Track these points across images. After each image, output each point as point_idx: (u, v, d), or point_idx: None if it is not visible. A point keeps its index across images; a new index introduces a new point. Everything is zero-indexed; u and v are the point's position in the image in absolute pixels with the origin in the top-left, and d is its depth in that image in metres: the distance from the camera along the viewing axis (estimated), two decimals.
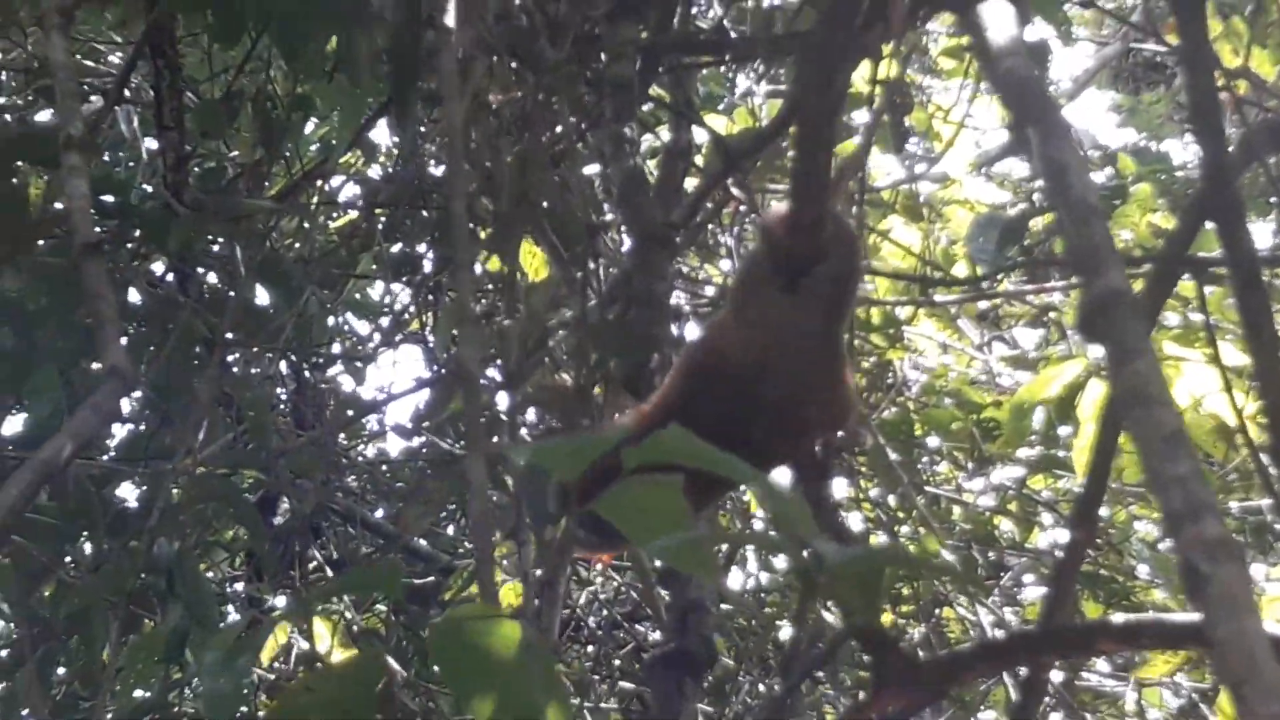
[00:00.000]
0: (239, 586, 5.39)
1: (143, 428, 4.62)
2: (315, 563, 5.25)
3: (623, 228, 4.12)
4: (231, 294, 4.66)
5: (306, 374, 6.03)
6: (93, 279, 2.60)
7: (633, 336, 3.27)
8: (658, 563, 5.13)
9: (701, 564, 1.73)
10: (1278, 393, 2.81)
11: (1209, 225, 3.00)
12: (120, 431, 4.85)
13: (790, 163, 3.07)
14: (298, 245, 5.60)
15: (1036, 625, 2.77)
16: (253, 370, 5.34)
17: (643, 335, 3.25)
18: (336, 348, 6.25)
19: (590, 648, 6.04)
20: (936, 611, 5.82)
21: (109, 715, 4.47)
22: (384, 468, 5.63)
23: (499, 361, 4.49)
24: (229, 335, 4.45)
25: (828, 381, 2.76)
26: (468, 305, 2.33)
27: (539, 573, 3.51)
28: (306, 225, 5.62)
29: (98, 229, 3.54)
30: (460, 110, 2.74)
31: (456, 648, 1.78)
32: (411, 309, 5.89)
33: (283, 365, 5.96)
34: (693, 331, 4.00)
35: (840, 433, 2.68)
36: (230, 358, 5.28)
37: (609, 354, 3.38)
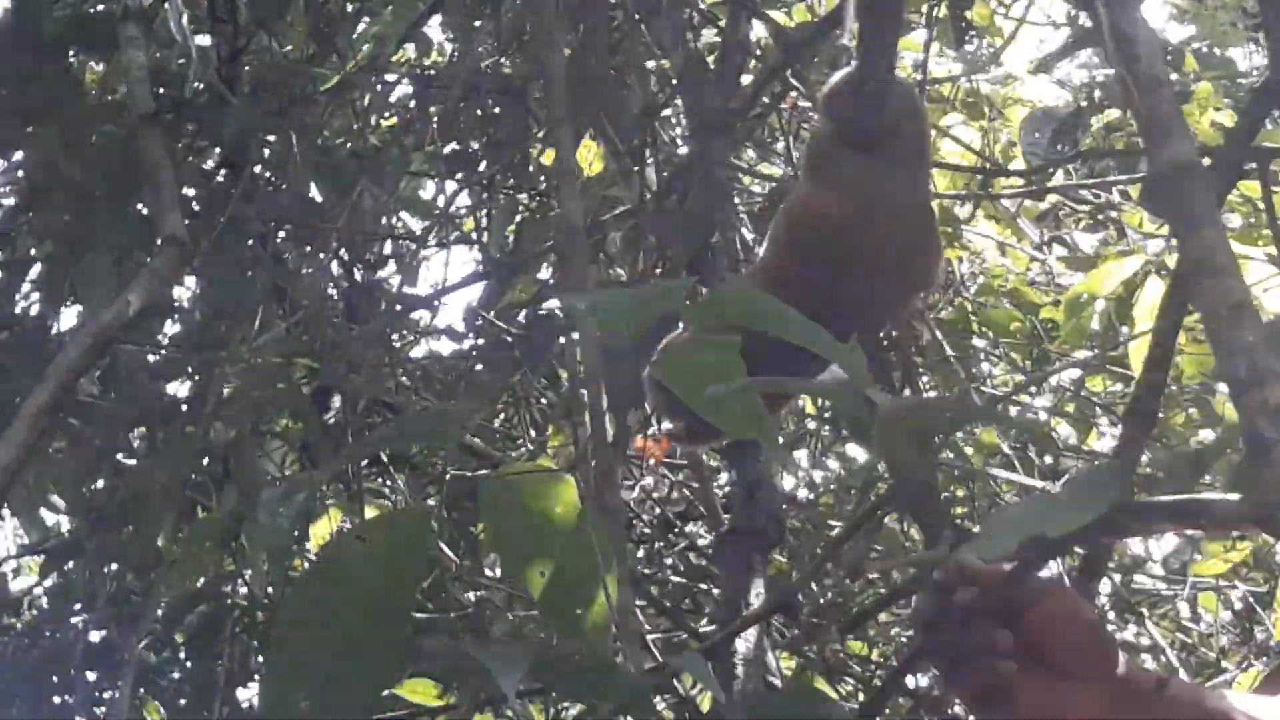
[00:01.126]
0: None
1: (196, 316, 4.63)
2: (369, 459, 5.25)
3: (682, 116, 4.09)
4: (284, 187, 4.66)
5: (359, 272, 6.01)
6: (151, 149, 2.60)
7: (692, 220, 3.25)
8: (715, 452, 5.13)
9: (752, 420, 1.70)
10: None
11: (1276, 115, 2.97)
12: (172, 329, 4.87)
13: (855, 35, 3.03)
14: (349, 143, 5.58)
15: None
16: (305, 267, 5.34)
17: (702, 218, 3.24)
18: (389, 247, 6.24)
19: (642, 548, 6.04)
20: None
21: (162, 603, 4.50)
22: (437, 366, 5.63)
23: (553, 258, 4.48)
24: (282, 227, 4.45)
25: (923, 234, 2.73)
26: (569, 160, 2.31)
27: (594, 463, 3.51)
28: (360, 120, 5.60)
29: None
30: None
31: (508, 509, 1.77)
32: (465, 206, 5.87)
33: (335, 265, 5.96)
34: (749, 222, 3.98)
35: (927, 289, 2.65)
36: (284, 255, 5.29)
37: (668, 239, 3.36)
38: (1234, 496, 3.03)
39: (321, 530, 4.76)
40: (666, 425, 4.66)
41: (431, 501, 5.23)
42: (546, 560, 1.77)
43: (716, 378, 1.64)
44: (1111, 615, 5.54)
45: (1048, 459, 5.76)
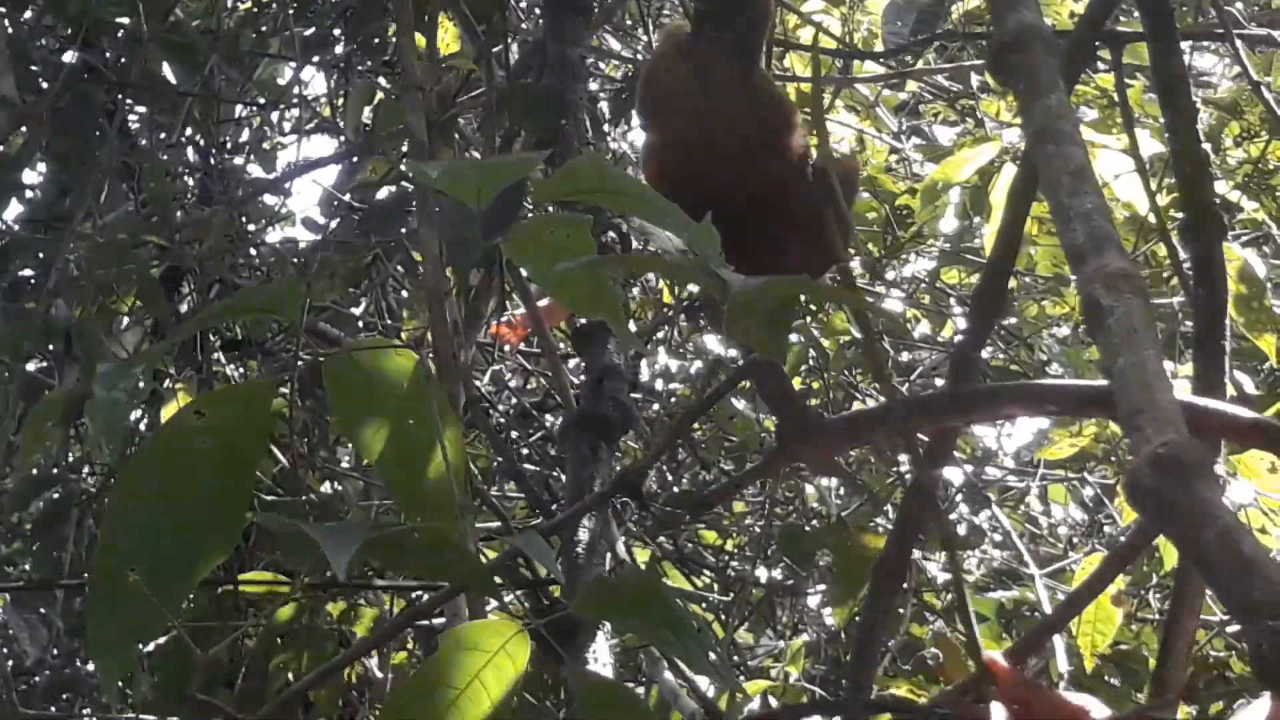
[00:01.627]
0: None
1: (40, 195, 4.54)
2: (218, 341, 5.19)
3: None
4: (135, 64, 4.56)
5: (213, 155, 5.91)
6: None
7: (546, 100, 3.20)
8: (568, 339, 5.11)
9: (600, 299, 1.69)
10: (1192, 164, 2.80)
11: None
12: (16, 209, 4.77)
13: None
14: (204, 23, 5.47)
15: (943, 388, 2.77)
16: (162, 148, 5.25)
17: (555, 98, 3.20)
18: (246, 134, 6.15)
19: (495, 437, 6.02)
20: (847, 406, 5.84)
21: (7, 484, 4.43)
22: (291, 249, 5.56)
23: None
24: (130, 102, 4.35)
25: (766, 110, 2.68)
26: (412, 71, 2.26)
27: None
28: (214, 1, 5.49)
29: None
30: None
31: (349, 380, 1.74)
32: (322, 93, 5.79)
33: (191, 151, 5.86)
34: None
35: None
36: (133, 130, 5.19)
37: (521, 119, 3.32)
38: (1077, 381, 3.06)
39: (170, 414, 4.69)
40: (520, 311, 4.64)
41: (284, 389, 5.17)
42: (386, 427, 1.75)
43: (567, 255, 1.61)
44: (963, 505, 5.61)
45: (904, 354, 5.81)
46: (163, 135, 5.44)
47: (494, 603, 2.07)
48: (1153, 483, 1.39)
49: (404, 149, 5.06)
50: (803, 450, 2.55)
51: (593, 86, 4.70)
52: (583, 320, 3.58)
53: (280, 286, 1.76)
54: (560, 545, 2.92)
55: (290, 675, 4.33)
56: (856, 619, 3.83)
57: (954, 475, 5.16)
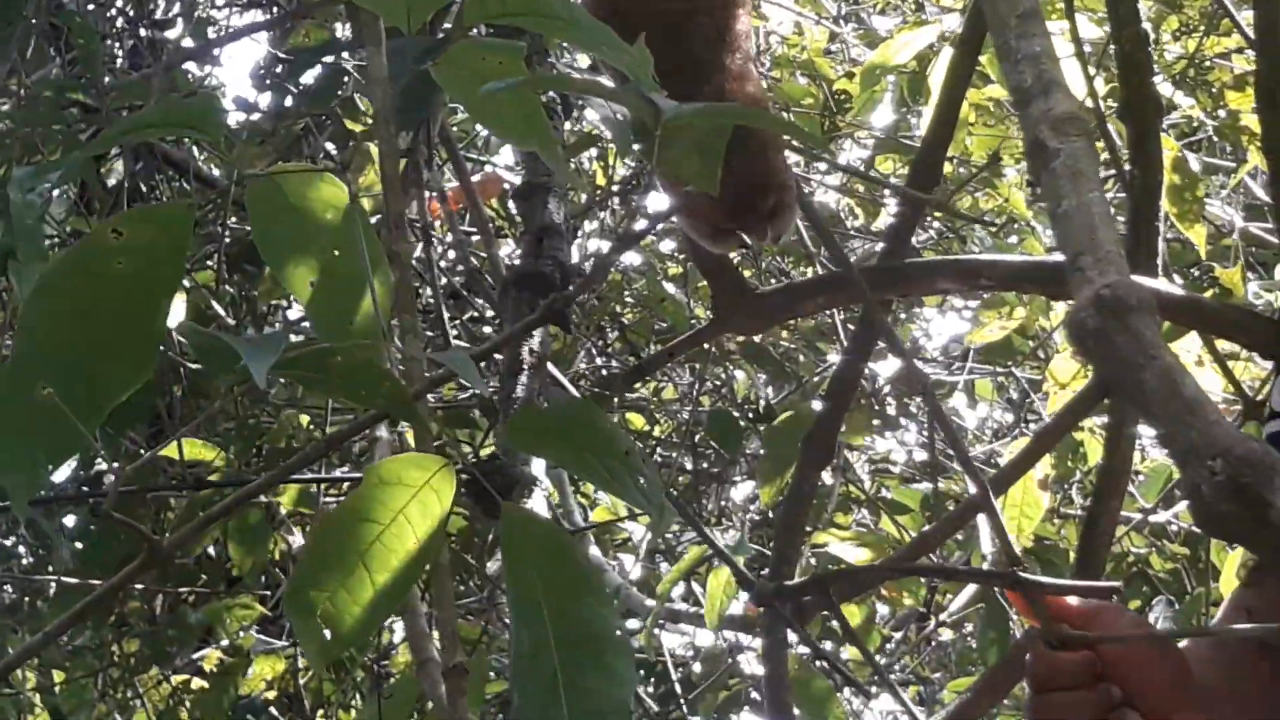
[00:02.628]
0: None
1: None
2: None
3: None
4: None
5: (143, 26, 5.83)
6: None
7: None
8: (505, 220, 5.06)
9: (531, 125, 1.65)
10: (1131, 43, 2.78)
11: None
12: None
13: None
14: None
15: (878, 261, 2.75)
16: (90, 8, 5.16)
17: None
18: (177, 7, 6.05)
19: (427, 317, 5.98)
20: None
21: None
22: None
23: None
24: None
25: None
26: None
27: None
28: None
29: None
30: None
31: (274, 207, 1.69)
32: None
33: (119, 21, 5.77)
34: None
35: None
36: None
37: None
38: (1010, 256, 3.04)
39: None
40: (453, 184, 4.59)
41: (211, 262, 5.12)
42: (313, 260, 1.71)
43: (497, 78, 1.57)
44: (890, 399, 5.61)
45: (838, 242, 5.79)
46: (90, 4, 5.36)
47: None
48: (1095, 323, 1.37)
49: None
50: (738, 320, 2.53)
51: None
52: (520, 184, 3.54)
53: (201, 101, 1.71)
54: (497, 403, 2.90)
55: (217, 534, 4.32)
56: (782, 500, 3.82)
57: (884, 368, 5.16)
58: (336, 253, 1.69)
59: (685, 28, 2.40)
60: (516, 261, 3.90)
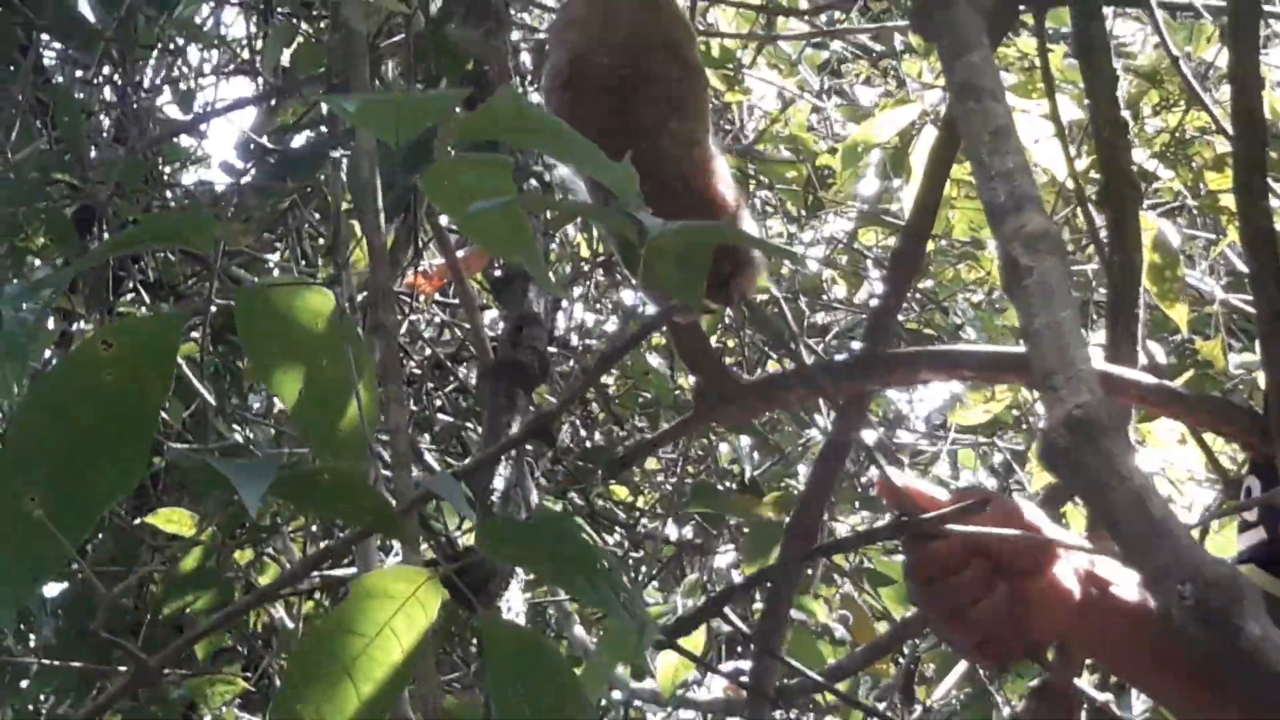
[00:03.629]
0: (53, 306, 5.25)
1: None
2: (131, 284, 5.14)
3: None
4: None
5: (129, 94, 5.85)
6: None
7: (467, 45, 3.18)
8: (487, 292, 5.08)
9: (518, 240, 1.67)
10: (1111, 129, 2.81)
11: None
12: None
13: None
14: None
15: (859, 352, 2.77)
16: (77, 85, 5.18)
17: (478, 46, 3.17)
18: (164, 74, 6.07)
19: (411, 388, 6.00)
20: (760, 370, 5.85)
21: None
22: (206, 191, 5.50)
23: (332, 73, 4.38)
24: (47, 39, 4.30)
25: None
26: None
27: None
28: None
29: None
30: None
31: (262, 317, 1.71)
32: (242, 36, 5.73)
33: (108, 90, 5.79)
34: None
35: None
36: (49, 67, 5.12)
37: (444, 66, 3.29)
38: (993, 347, 3.07)
39: None
40: (438, 261, 4.61)
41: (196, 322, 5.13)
42: (300, 369, 1.73)
43: (486, 196, 1.59)
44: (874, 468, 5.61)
45: (820, 315, 5.83)
46: (78, 73, 5.37)
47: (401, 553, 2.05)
48: (1066, 443, 1.39)
49: (323, 91, 5.04)
50: (719, 411, 2.54)
51: (515, 36, 4.68)
52: (501, 268, 3.57)
53: (192, 215, 1.73)
54: (474, 493, 2.91)
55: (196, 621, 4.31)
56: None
57: (866, 437, 5.17)
58: (324, 362, 1.71)
59: (637, 93, 2.44)
60: (500, 331, 3.94)
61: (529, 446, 3.20)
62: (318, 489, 1.49)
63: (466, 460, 3.88)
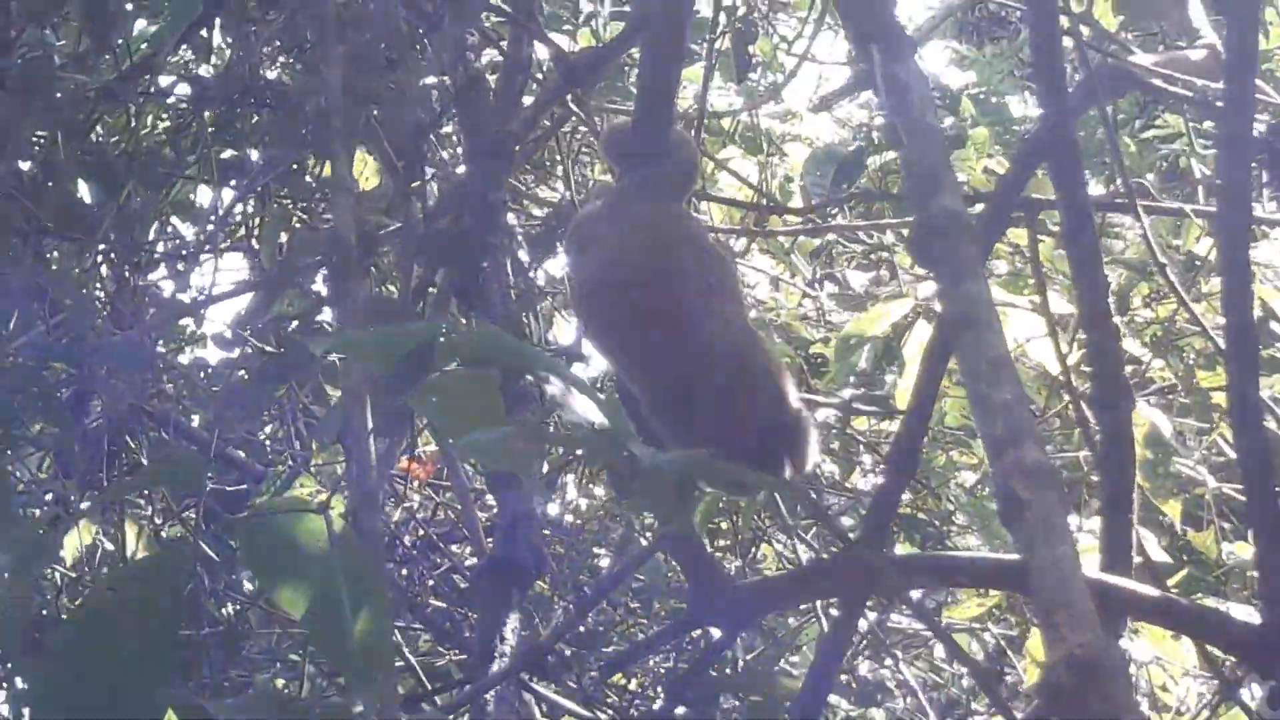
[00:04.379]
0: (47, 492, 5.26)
1: None
2: (126, 466, 5.14)
3: (459, 137, 4.04)
4: (51, 184, 4.54)
5: (127, 275, 5.88)
6: None
7: (465, 244, 3.21)
8: (480, 477, 5.09)
9: (515, 460, 1.68)
10: (1103, 336, 2.83)
11: (1044, 166, 3.01)
12: None
13: (637, 77, 3.03)
14: (123, 144, 5.46)
15: (855, 558, 2.77)
16: (74, 269, 5.21)
17: (475, 243, 3.20)
18: (160, 251, 6.12)
19: (404, 569, 5.98)
20: (753, 550, 5.84)
21: None
22: (202, 374, 5.52)
23: (325, 271, 4.41)
24: (46, 226, 4.33)
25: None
26: (344, 174, 2.26)
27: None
28: (133, 122, 5.48)
29: None
30: None
31: (265, 541, 1.73)
32: (238, 215, 5.77)
33: (104, 268, 5.83)
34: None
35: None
36: (49, 254, 5.15)
37: (439, 262, 3.32)
38: (992, 555, 3.08)
39: (73, 543, 4.65)
40: (431, 447, 4.62)
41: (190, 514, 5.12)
42: (306, 589, 1.74)
43: (475, 414, 1.61)
44: (866, 654, 5.60)
45: (812, 494, 5.81)
46: (74, 254, 5.41)
47: None
48: (1069, 683, 1.40)
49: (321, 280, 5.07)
50: (715, 617, 2.55)
51: (513, 220, 4.71)
52: None
53: (186, 461, 1.75)
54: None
55: None
56: None
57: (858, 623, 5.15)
58: (330, 580, 1.72)
59: (673, 286, 2.50)
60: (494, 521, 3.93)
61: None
62: None
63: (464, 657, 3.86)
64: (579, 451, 5.22)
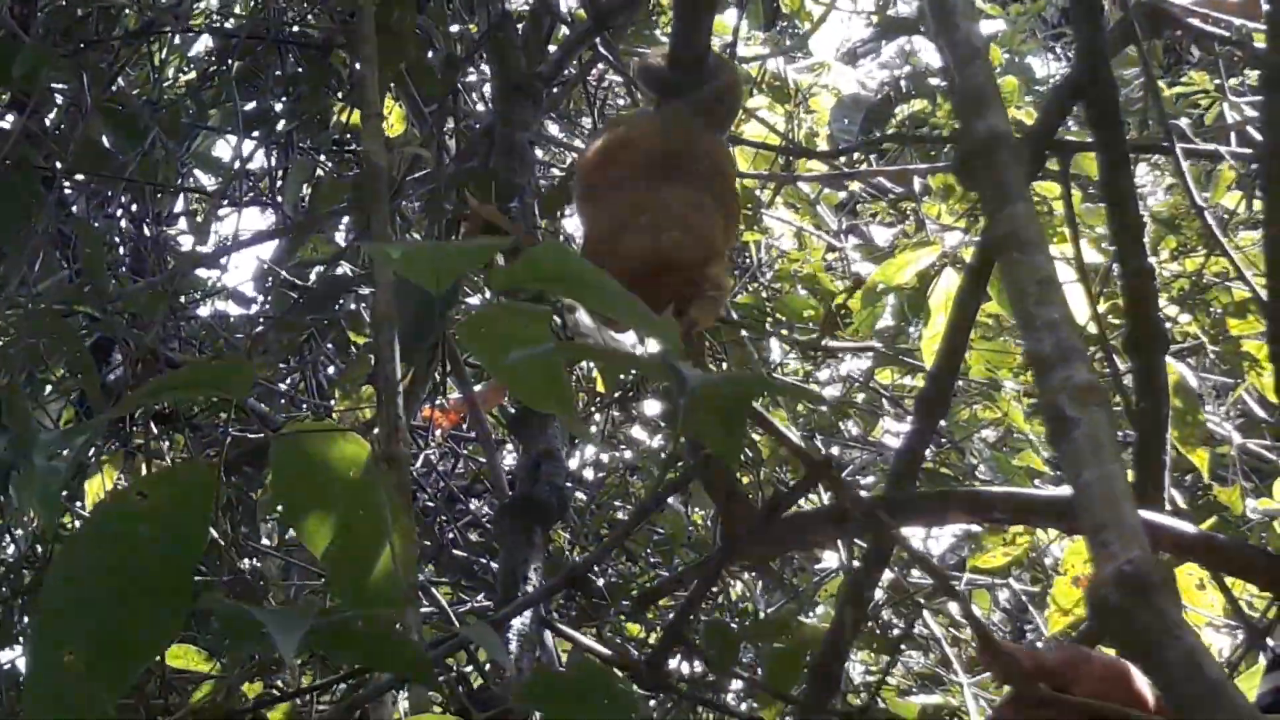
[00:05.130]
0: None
1: None
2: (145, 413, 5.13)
3: (487, 84, 4.02)
4: (74, 131, 4.53)
5: (148, 225, 5.87)
6: None
7: (493, 184, 3.19)
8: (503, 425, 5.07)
9: (553, 390, 1.66)
10: (1138, 278, 2.80)
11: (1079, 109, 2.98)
12: None
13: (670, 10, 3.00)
14: (145, 94, 5.45)
15: (886, 493, 2.75)
16: (97, 218, 5.21)
17: (504, 183, 3.18)
18: (181, 203, 6.11)
19: (425, 521, 5.97)
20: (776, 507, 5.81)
21: None
22: (223, 323, 5.51)
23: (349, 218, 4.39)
24: (69, 172, 4.32)
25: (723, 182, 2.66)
26: (373, 98, 2.22)
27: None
28: (155, 74, 5.47)
29: None
30: None
31: (297, 464, 1.70)
32: (260, 166, 5.76)
33: (124, 221, 5.82)
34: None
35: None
36: (70, 198, 5.14)
37: (464, 205, 3.29)
38: (1024, 489, 3.04)
39: (95, 488, 4.64)
40: (455, 396, 4.60)
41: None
42: (331, 518, 1.71)
43: (523, 346, 1.58)
44: (890, 607, 5.59)
45: (835, 449, 5.80)
46: (99, 205, 5.41)
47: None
48: (1118, 599, 1.37)
49: (343, 227, 5.06)
50: (750, 548, 2.53)
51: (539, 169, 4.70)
52: (518, 405, 3.55)
53: (228, 364, 1.72)
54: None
55: None
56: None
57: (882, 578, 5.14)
58: (358, 511, 1.69)
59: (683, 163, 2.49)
60: (516, 465, 3.92)
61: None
62: (355, 639, 1.47)
63: (488, 603, 3.85)
64: (632, 373, 5.23)
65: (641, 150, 2.52)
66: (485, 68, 4.58)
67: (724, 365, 4.55)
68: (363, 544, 1.68)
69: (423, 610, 4.04)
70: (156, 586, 1.50)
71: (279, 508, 1.70)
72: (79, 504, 4.70)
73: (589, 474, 5.91)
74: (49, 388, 4.67)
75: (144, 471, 4.48)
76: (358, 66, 3.52)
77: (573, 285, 1.60)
